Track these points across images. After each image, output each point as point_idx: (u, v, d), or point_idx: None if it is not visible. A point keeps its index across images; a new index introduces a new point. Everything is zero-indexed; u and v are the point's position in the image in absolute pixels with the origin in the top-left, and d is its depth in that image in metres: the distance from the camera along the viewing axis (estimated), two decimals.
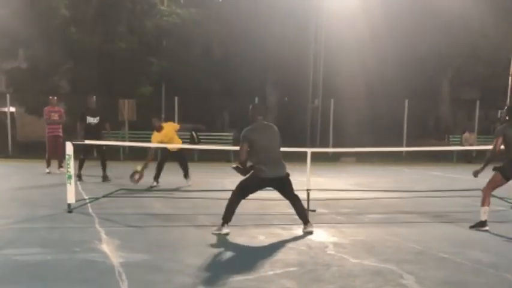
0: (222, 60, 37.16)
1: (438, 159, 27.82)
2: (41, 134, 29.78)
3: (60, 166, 19.42)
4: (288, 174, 9.50)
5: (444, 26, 34.70)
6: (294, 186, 9.70)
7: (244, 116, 35.61)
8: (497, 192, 11.19)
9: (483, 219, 10.12)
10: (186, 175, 16.25)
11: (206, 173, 19.81)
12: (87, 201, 12.19)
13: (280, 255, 8.07)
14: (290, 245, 8.68)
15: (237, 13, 35.65)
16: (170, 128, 15.65)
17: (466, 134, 28.45)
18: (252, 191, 9.56)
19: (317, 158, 18.28)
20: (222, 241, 8.86)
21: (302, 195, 10.25)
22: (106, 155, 17.43)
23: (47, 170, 19.31)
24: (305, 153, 11.99)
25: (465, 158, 27.48)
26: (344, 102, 32.22)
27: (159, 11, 35.27)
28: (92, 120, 17.04)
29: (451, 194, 13.89)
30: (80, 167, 16.87)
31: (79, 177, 16.54)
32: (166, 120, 18.72)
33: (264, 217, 11.05)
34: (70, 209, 11.13)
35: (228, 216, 9.35)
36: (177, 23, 34.94)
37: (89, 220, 10.42)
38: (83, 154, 16.82)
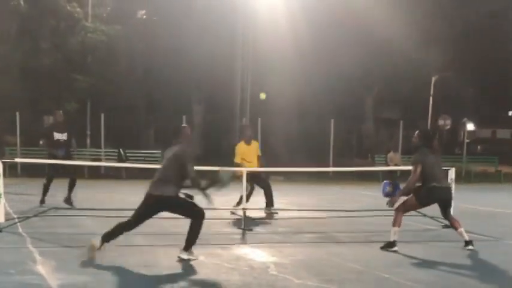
0: (146, 77, 36.92)
1: (365, 178, 28.20)
2: None
3: None
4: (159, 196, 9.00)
5: (369, 46, 35.34)
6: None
7: (169, 132, 35.38)
8: (427, 211, 11.43)
9: (392, 239, 10.06)
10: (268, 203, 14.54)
11: (136, 192, 19.41)
12: (17, 220, 11.79)
13: (223, 276, 7.96)
14: (231, 265, 8.58)
15: (161, 30, 35.48)
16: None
17: (391, 154, 28.89)
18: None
19: None
20: (162, 262, 8.69)
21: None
22: (76, 175, 15.68)
23: None
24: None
25: (390, 177, 27.87)
26: (273, 121, 32.41)
27: (83, 27, 34.74)
28: (59, 136, 15.36)
29: (381, 213, 14.05)
30: (46, 190, 15.25)
31: (42, 202, 14.97)
32: None
33: (200, 236, 10.87)
34: None
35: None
36: (102, 40, 34.50)
37: (21, 240, 10.09)
38: (47, 178, 15.34)
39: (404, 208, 10.22)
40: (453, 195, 10.72)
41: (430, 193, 10.07)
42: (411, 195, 10.19)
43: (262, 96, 31.02)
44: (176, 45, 33.50)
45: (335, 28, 33.59)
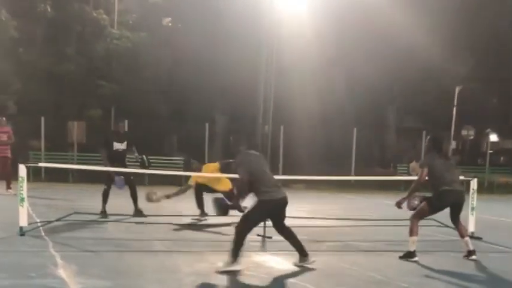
0: (171, 85, 37.10)
1: (386, 187, 28.10)
2: None
3: (8, 187, 19.02)
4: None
5: (393, 55, 35.28)
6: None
7: (192, 140, 35.38)
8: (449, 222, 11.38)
9: (412, 249, 10.03)
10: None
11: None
12: (39, 224, 11.91)
13: (243, 283, 8.01)
14: (251, 272, 8.60)
15: (187, 38, 35.65)
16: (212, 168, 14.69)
17: (414, 164, 28.76)
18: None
19: None
20: (181, 268, 8.73)
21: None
22: (135, 186, 15.07)
23: None
24: None
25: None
26: (295, 129, 32.40)
27: (109, 33, 35.07)
28: (119, 146, 14.76)
29: (402, 222, 14.00)
30: (105, 200, 14.56)
31: (103, 213, 14.33)
32: None
33: (221, 243, 10.96)
34: (22, 232, 10.85)
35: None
36: (127, 47, 34.78)
37: (43, 244, 10.18)
38: (106, 184, 14.71)
39: (418, 216, 10.21)
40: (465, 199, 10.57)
41: (441, 197, 10.04)
42: (424, 203, 10.17)
43: None
44: (201, 53, 33.63)
45: (359, 37, 33.57)
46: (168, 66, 36.71)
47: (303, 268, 9.00)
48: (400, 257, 10.10)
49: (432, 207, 10.15)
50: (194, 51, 34.19)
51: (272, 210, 9.02)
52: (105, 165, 14.21)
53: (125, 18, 36.94)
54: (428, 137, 10.64)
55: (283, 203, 9.00)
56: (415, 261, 9.86)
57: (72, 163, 26.77)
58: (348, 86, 34.52)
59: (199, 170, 14.49)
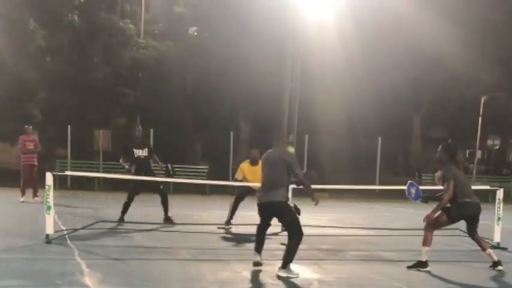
0: (195, 93, 37.24)
1: None
2: (11, 161, 29.47)
3: (35, 195, 19.20)
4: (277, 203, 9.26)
5: (419, 64, 35.18)
6: (273, 221, 9.63)
7: (216, 148, 35.43)
8: (478, 232, 11.28)
9: (424, 259, 9.93)
10: None
11: (183, 206, 19.58)
12: (65, 232, 11.99)
13: None
14: (275, 281, 8.63)
15: (212, 47, 35.79)
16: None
17: (439, 173, 28.59)
18: None
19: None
20: (206, 276, 8.75)
21: (278, 230, 10.30)
22: (166, 193, 14.98)
23: (22, 199, 19.07)
24: None
25: (436, 196, 27.59)
26: (320, 138, 32.37)
27: (135, 43, 35.27)
28: (140, 153, 14.56)
29: None
30: (124, 211, 14.35)
31: (121, 220, 14.18)
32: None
33: (245, 252, 10.97)
34: (48, 240, 10.95)
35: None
36: (153, 56, 34.95)
37: (69, 252, 10.26)
38: (128, 198, 14.48)
39: (434, 226, 10.12)
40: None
41: (462, 208, 9.96)
42: (441, 212, 10.06)
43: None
44: (226, 62, 33.73)
45: (386, 46, 33.45)
46: (193, 75, 36.84)
47: (327, 277, 8.98)
48: (409, 267, 10.00)
49: (450, 218, 10.06)
50: (219, 60, 34.29)
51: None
52: (128, 172, 14.27)
53: (151, 28, 37.12)
54: (441, 146, 10.42)
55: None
56: (428, 272, 9.77)
57: (98, 171, 26.94)
58: (373, 94, 34.36)
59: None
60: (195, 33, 40.59)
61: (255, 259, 9.49)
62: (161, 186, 14.81)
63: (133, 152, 14.49)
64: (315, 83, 32.34)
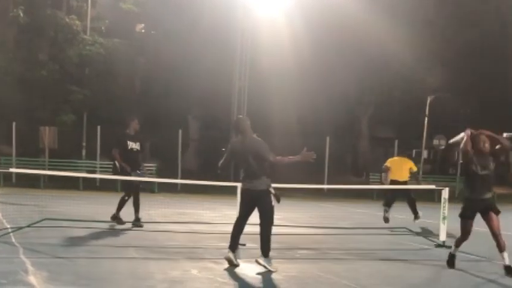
0: (144, 91, 36.97)
1: (359, 195, 28.18)
2: None
3: None
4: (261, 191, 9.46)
5: (367, 65, 35.52)
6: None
7: (165, 146, 35.27)
8: (423, 231, 11.42)
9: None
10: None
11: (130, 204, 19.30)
12: (10, 230, 11.72)
13: None
14: (225, 280, 8.56)
15: (160, 45, 35.58)
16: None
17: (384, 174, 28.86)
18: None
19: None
20: (155, 275, 8.63)
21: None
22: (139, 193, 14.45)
23: None
24: (231, 187, 12.03)
25: (384, 195, 27.84)
26: (270, 136, 32.36)
27: (81, 40, 34.77)
28: (133, 145, 14.17)
29: (374, 231, 14.08)
30: (120, 208, 14.08)
31: (114, 218, 13.99)
32: None
33: (195, 250, 10.89)
34: None
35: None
36: (99, 53, 34.52)
37: (13, 250, 10.01)
38: (126, 194, 14.17)
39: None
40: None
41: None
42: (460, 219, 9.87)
43: None
44: (175, 60, 33.55)
45: (334, 46, 33.71)
46: (142, 73, 36.58)
47: (276, 276, 8.95)
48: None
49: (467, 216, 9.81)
50: (168, 58, 34.11)
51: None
52: (119, 168, 13.98)
53: (97, 25, 36.66)
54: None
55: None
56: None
57: (43, 169, 26.47)
58: (323, 94, 34.61)
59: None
60: (143, 31, 40.32)
61: (226, 255, 9.49)
62: (140, 185, 14.50)
63: (127, 144, 14.12)
64: (265, 82, 32.39)
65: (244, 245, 11.29)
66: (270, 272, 9.12)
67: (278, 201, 9.56)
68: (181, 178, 25.93)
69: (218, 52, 32.62)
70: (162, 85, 34.91)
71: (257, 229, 10.65)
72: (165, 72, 34.45)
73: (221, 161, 9.94)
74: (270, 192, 9.43)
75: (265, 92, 32.60)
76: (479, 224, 9.85)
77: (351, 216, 20.00)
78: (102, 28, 36.31)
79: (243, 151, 9.55)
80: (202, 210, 16.35)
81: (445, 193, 12.65)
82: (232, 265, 9.37)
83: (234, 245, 9.55)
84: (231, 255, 9.44)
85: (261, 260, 9.24)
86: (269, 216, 9.38)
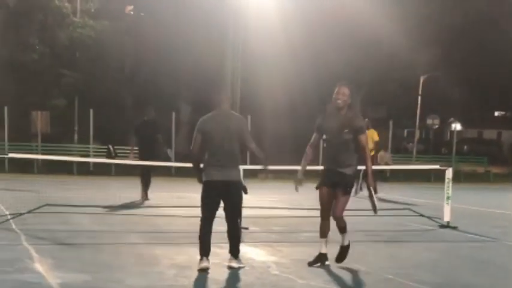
0: (135, 73, 36.73)
1: None
2: None
3: None
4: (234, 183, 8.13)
5: (359, 46, 35.39)
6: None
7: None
8: (425, 211, 11.35)
9: None
10: None
11: (129, 189, 19.07)
12: (9, 217, 11.56)
13: (225, 275, 7.86)
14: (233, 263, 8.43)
15: (150, 27, 35.29)
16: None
17: (382, 153, 28.80)
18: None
19: None
20: (161, 261, 8.53)
21: None
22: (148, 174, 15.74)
23: None
24: None
25: (380, 176, 27.83)
26: (263, 118, 32.27)
27: (71, 22, 34.45)
28: (146, 132, 15.66)
29: (380, 212, 13.98)
30: (147, 185, 15.58)
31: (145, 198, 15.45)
32: None
33: (196, 235, 10.71)
34: None
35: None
36: (90, 35, 34.21)
37: (15, 237, 9.88)
38: (143, 175, 15.57)
39: None
40: None
41: None
42: None
43: None
44: (165, 42, 33.29)
45: (326, 28, 33.51)
46: (132, 56, 36.31)
47: (283, 260, 8.86)
48: None
49: None
50: (158, 40, 33.85)
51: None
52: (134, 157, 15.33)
53: (87, 6, 36.29)
54: None
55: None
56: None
57: (36, 153, 26.24)
58: (314, 75, 34.43)
59: None
60: (131, 13, 40.01)
61: (203, 265, 7.98)
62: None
63: (141, 131, 15.61)
64: (257, 64, 32.19)
65: (247, 228, 11.22)
66: (275, 256, 9.02)
67: (246, 192, 8.35)
68: (175, 161, 25.79)
69: (208, 34, 32.37)
70: (152, 67, 34.67)
71: (259, 212, 10.56)
72: (154, 54, 34.19)
73: (192, 145, 8.17)
74: (241, 183, 8.29)
75: (257, 74, 32.41)
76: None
77: (352, 198, 19.87)
78: (92, 10, 35.94)
79: (220, 129, 8.00)
80: (198, 193, 16.18)
81: (449, 173, 12.57)
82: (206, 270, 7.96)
83: (207, 250, 8.11)
84: (207, 263, 7.97)
85: (235, 264, 8.16)
86: (240, 210, 8.21)
